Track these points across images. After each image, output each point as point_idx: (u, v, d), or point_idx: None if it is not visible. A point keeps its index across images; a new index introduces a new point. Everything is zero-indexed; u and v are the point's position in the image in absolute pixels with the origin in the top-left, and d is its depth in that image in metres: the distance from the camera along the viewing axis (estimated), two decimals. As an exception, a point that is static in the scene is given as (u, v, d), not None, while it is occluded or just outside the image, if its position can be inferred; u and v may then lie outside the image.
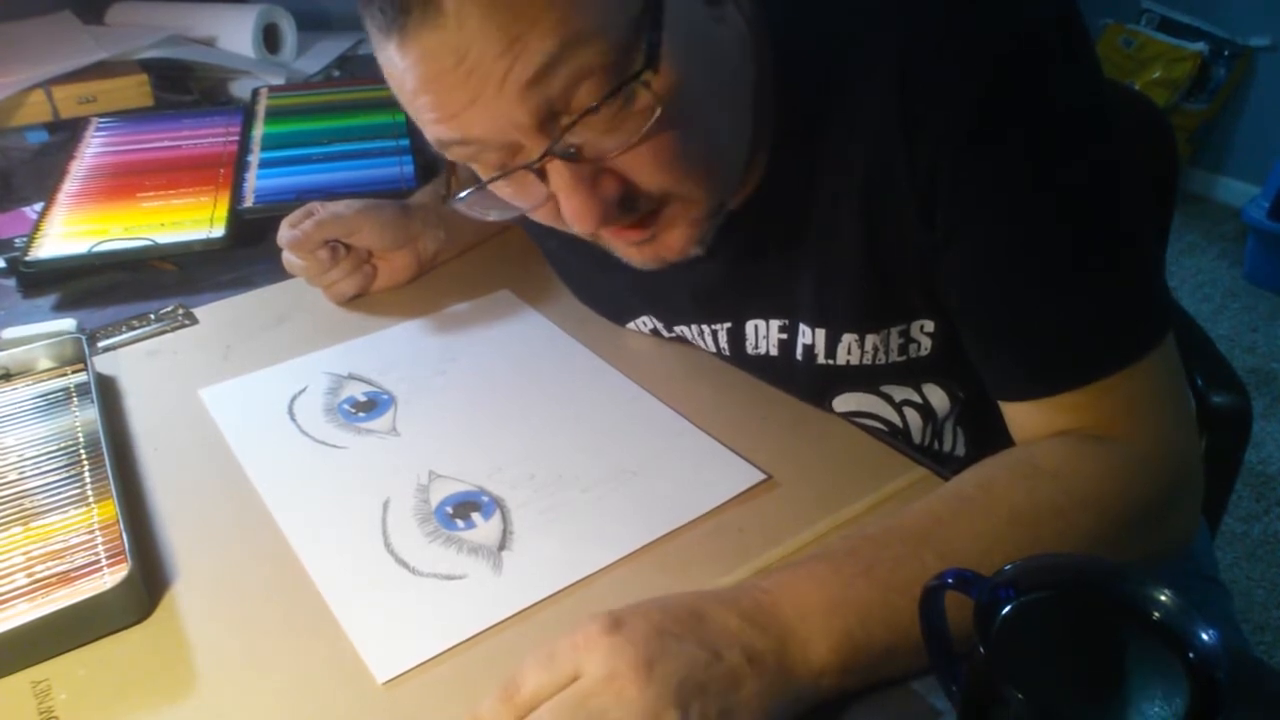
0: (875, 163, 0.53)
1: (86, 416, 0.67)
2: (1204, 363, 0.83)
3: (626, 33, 0.45)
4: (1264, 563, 1.63)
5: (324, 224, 0.78)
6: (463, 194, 0.53)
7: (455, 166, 0.55)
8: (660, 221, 0.53)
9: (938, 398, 0.66)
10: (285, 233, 0.79)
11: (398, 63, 0.47)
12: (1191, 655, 0.36)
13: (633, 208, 0.51)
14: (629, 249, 0.55)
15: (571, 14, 0.44)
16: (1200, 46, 2.59)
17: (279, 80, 1.29)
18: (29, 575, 0.55)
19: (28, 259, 0.87)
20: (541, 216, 0.53)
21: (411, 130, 0.53)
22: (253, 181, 1.00)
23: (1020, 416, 0.56)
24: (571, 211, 0.49)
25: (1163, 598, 0.38)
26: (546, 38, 0.44)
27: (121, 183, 1.01)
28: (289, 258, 0.80)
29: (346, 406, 0.70)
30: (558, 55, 0.44)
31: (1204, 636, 0.36)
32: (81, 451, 0.64)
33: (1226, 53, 2.59)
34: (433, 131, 0.49)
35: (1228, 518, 1.68)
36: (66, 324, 0.77)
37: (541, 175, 0.49)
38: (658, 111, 0.47)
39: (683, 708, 0.41)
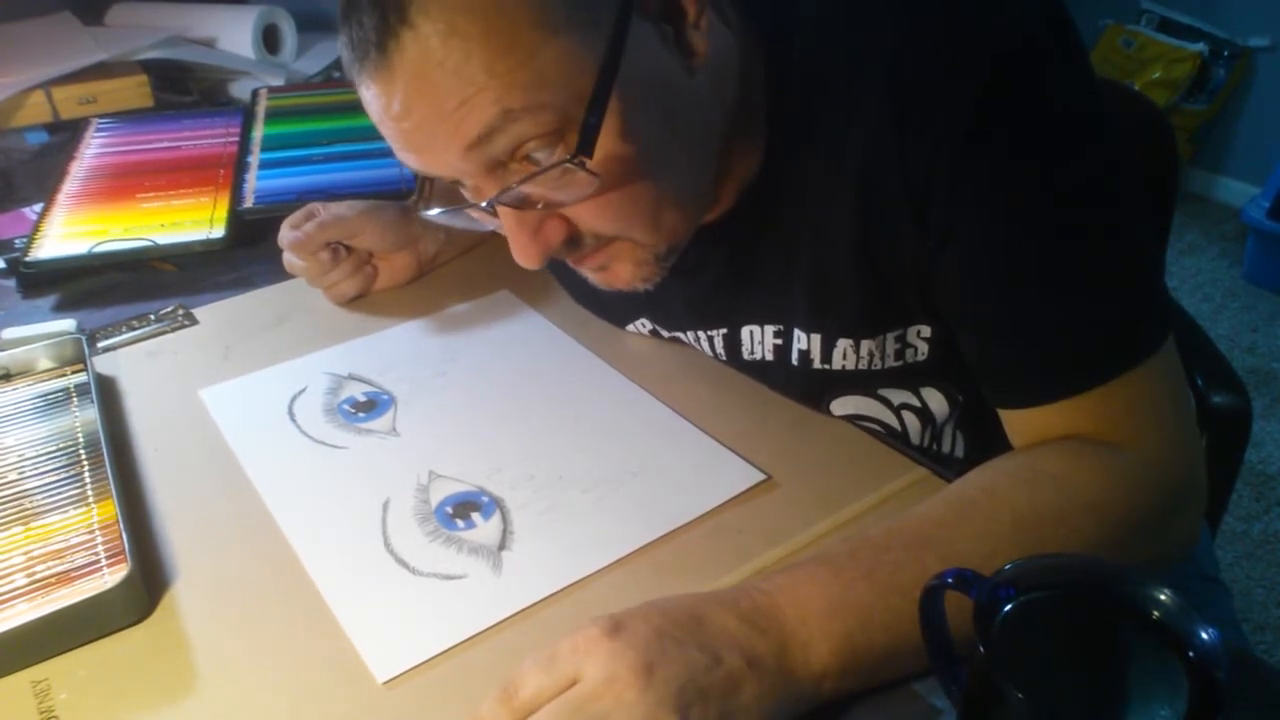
0: (869, 165, 0.53)
1: (86, 417, 0.67)
2: (1204, 363, 0.83)
3: (572, 106, 0.46)
4: (1264, 562, 1.63)
5: (326, 226, 0.78)
6: (433, 211, 0.55)
7: (430, 178, 0.56)
8: (608, 255, 0.55)
9: (936, 401, 0.66)
10: (287, 234, 0.79)
11: (363, 94, 0.49)
12: (1191, 655, 0.36)
13: (578, 246, 0.53)
14: (585, 271, 0.57)
15: (515, 85, 0.45)
16: (1200, 47, 2.59)
17: (279, 81, 1.29)
18: (29, 575, 0.55)
19: (28, 259, 0.87)
20: (503, 234, 0.54)
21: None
22: (253, 182, 1.00)
23: (1018, 423, 0.56)
24: (515, 252, 0.52)
25: (1163, 598, 0.38)
26: (488, 107, 0.45)
27: (121, 183, 1.01)
28: (290, 259, 0.80)
29: (346, 407, 0.70)
30: (498, 125, 0.46)
31: (1204, 636, 0.36)
32: (81, 451, 0.64)
33: (1226, 53, 2.59)
34: (398, 156, 0.52)
35: (1228, 517, 1.68)
36: (66, 324, 0.77)
37: (493, 212, 0.51)
38: (595, 183, 0.48)
39: (682, 712, 0.41)
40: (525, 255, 0.52)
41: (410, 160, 0.51)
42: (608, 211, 0.51)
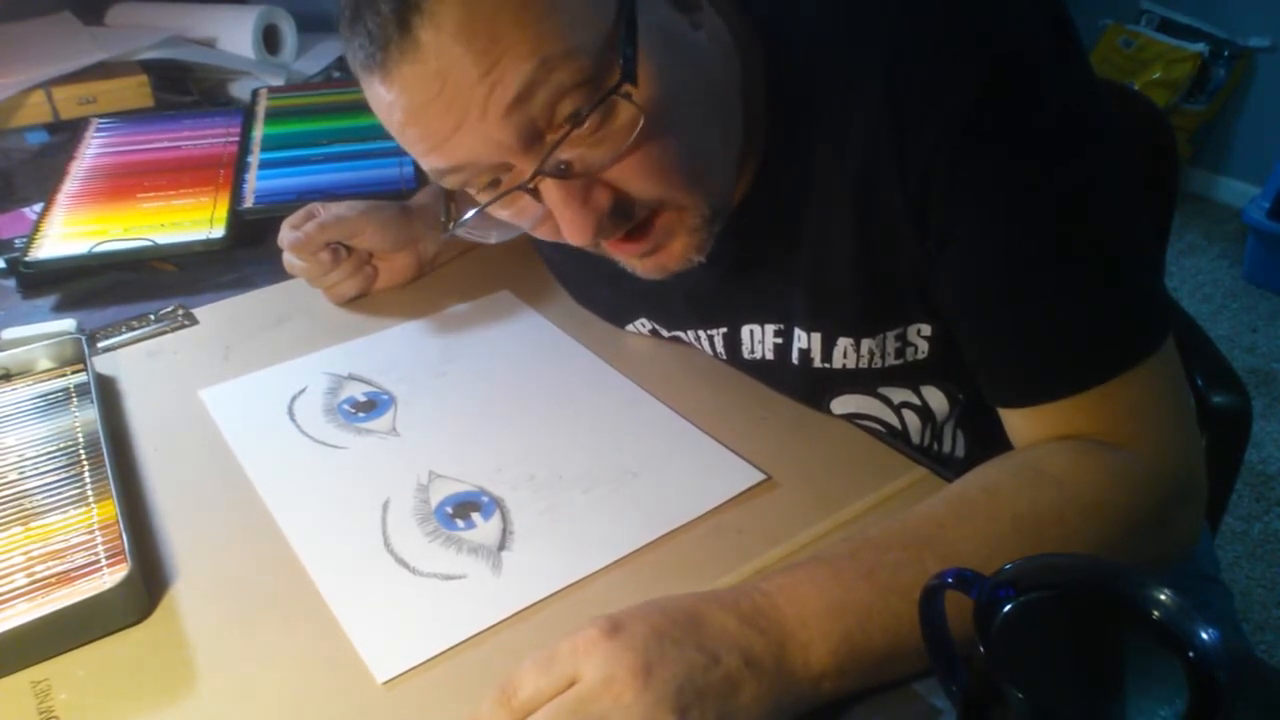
0: (869, 165, 0.53)
1: (86, 417, 0.67)
2: (1204, 363, 0.83)
3: (602, 48, 0.46)
4: (1264, 562, 1.63)
5: (326, 226, 0.78)
6: (463, 218, 0.53)
7: (454, 194, 0.55)
8: (659, 232, 0.53)
9: (937, 400, 0.66)
10: (287, 234, 0.79)
11: (384, 96, 0.48)
12: (1191, 655, 0.36)
13: (627, 216, 0.51)
14: (632, 260, 0.56)
15: (546, 34, 0.44)
16: (1200, 47, 2.59)
17: (279, 81, 1.29)
18: (29, 575, 0.55)
19: (28, 259, 0.87)
20: (542, 233, 0.54)
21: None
22: (253, 182, 1.00)
23: (1018, 423, 0.56)
24: (567, 227, 0.50)
25: (1163, 598, 0.38)
26: (523, 61, 0.44)
27: (121, 183, 1.01)
28: (290, 259, 0.80)
29: (346, 407, 0.70)
30: (535, 77, 0.45)
31: (1204, 636, 0.36)
32: (81, 452, 0.64)
33: (1226, 53, 2.59)
34: (425, 161, 0.50)
35: (1228, 517, 1.68)
36: (66, 324, 0.77)
37: (535, 194, 0.49)
38: (641, 121, 0.47)
39: (681, 713, 0.41)
40: (578, 226, 0.50)
41: (439, 158, 0.49)
42: (649, 166, 0.49)
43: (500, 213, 0.53)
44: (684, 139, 0.50)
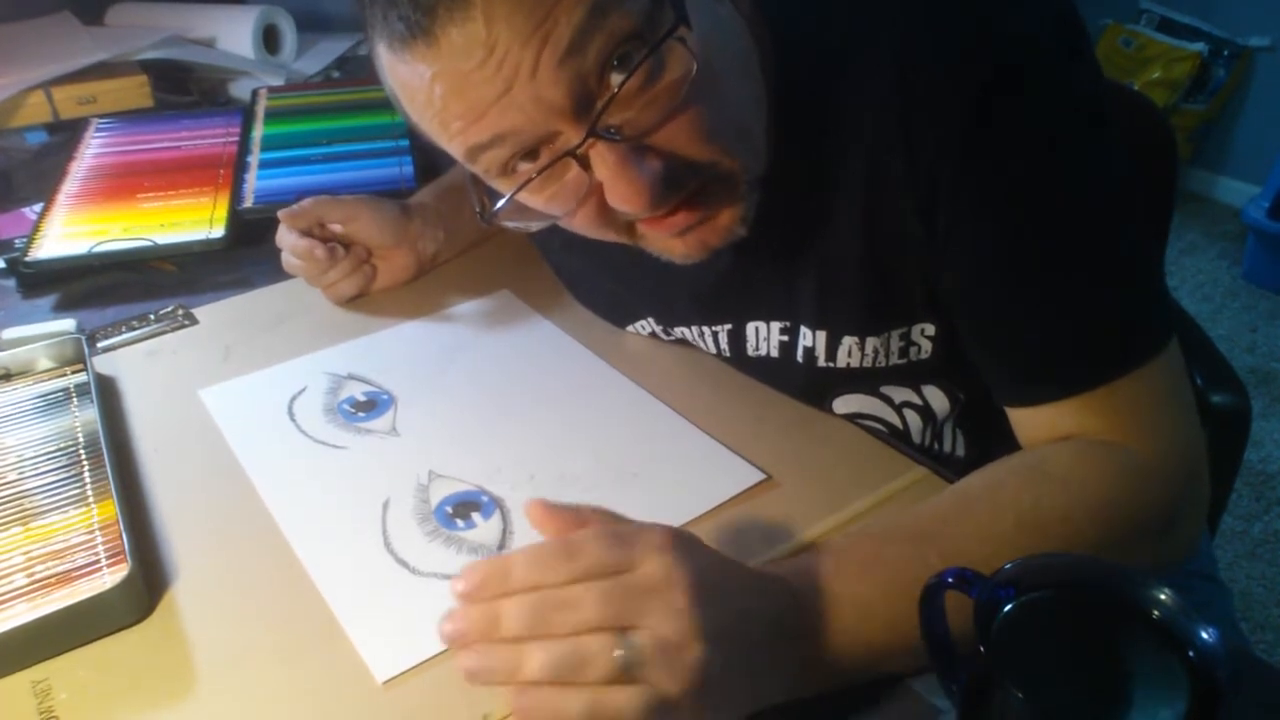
0: (875, 165, 0.53)
1: (86, 417, 0.67)
2: (1204, 362, 0.83)
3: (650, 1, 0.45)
4: (1263, 561, 1.63)
5: (321, 202, 0.79)
6: (502, 202, 0.51)
7: (483, 183, 0.53)
8: (706, 204, 0.52)
9: (938, 399, 0.66)
10: (285, 235, 0.79)
11: (422, 72, 0.46)
12: (1191, 655, 0.36)
13: (678, 185, 0.50)
14: (672, 240, 0.54)
15: None
16: (1200, 47, 2.59)
17: (278, 81, 1.29)
18: (29, 575, 0.55)
19: (28, 259, 0.87)
20: (582, 218, 0.52)
21: (411, 131, 0.52)
22: (252, 182, 1.00)
23: (1025, 421, 0.56)
24: (622, 193, 0.48)
25: (1163, 598, 0.38)
26: (574, 9, 0.43)
27: (121, 183, 1.01)
28: (288, 258, 0.81)
29: (346, 406, 0.70)
30: (587, 26, 0.43)
31: (1204, 636, 0.36)
32: (81, 452, 0.64)
33: (1226, 53, 2.59)
34: (463, 139, 0.48)
35: (1228, 517, 1.69)
36: (66, 324, 0.77)
37: (584, 164, 0.48)
38: (695, 69, 0.46)
39: (713, 646, 0.41)
40: (634, 193, 0.47)
41: (479, 130, 0.47)
42: (699, 126, 0.48)
43: (536, 198, 0.51)
44: (727, 101, 0.50)
